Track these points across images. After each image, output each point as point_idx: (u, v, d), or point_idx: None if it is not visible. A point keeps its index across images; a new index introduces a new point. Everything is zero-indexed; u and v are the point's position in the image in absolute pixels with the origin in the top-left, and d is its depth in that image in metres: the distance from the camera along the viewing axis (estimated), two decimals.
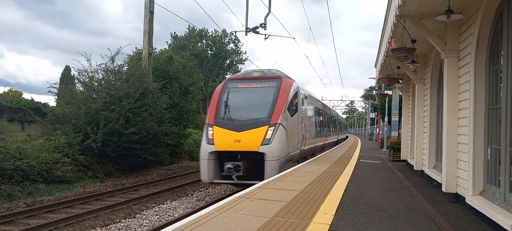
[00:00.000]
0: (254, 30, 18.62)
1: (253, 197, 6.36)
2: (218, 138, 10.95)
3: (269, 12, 18.37)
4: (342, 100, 72.93)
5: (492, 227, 5.28)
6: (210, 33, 57.22)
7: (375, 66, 16.75)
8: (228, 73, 57.18)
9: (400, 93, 17.81)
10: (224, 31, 56.58)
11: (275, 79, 12.26)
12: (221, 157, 11.09)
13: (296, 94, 12.49)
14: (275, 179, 8.56)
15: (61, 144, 14.22)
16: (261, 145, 10.61)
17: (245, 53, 73.06)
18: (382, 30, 11.51)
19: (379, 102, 34.70)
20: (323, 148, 20.56)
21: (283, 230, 4.52)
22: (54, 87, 18.17)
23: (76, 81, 20.00)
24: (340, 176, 9.62)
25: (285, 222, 4.87)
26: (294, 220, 5.01)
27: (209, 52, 57.47)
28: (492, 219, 5.17)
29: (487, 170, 6.27)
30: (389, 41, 8.88)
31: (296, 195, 6.75)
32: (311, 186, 7.83)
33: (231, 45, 59.38)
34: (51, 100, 41.95)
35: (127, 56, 20.77)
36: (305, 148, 14.10)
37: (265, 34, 19.55)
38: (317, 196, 6.77)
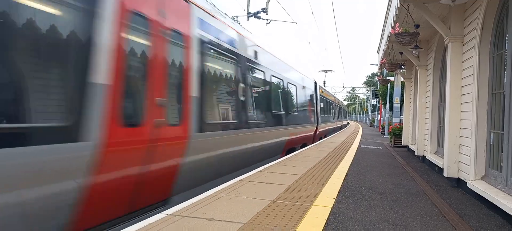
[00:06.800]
0: (256, 15, 18.42)
1: (255, 181, 6.38)
2: None
3: None
4: (343, 87, 72.57)
5: (493, 211, 5.29)
6: None
7: (378, 51, 16.65)
8: None
9: (402, 79, 17.72)
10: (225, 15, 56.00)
11: None
12: None
13: None
14: (277, 164, 8.57)
15: None
16: None
17: None
18: (385, 15, 11.39)
19: (381, 88, 34.68)
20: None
21: (284, 212, 4.54)
22: None
23: None
24: (341, 161, 9.64)
25: (286, 205, 4.89)
26: (295, 202, 5.03)
27: None
28: (494, 203, 5.19)
29: (490, 155, 6.26)
30: (392, 26, 8.80)
31: (297, 178, 6.77)
32: (313, 170, 7.85)
33: None
34: None
35: None
36: None
37: (267, 19, 19.35)
38: (319, 180, 6.79)
